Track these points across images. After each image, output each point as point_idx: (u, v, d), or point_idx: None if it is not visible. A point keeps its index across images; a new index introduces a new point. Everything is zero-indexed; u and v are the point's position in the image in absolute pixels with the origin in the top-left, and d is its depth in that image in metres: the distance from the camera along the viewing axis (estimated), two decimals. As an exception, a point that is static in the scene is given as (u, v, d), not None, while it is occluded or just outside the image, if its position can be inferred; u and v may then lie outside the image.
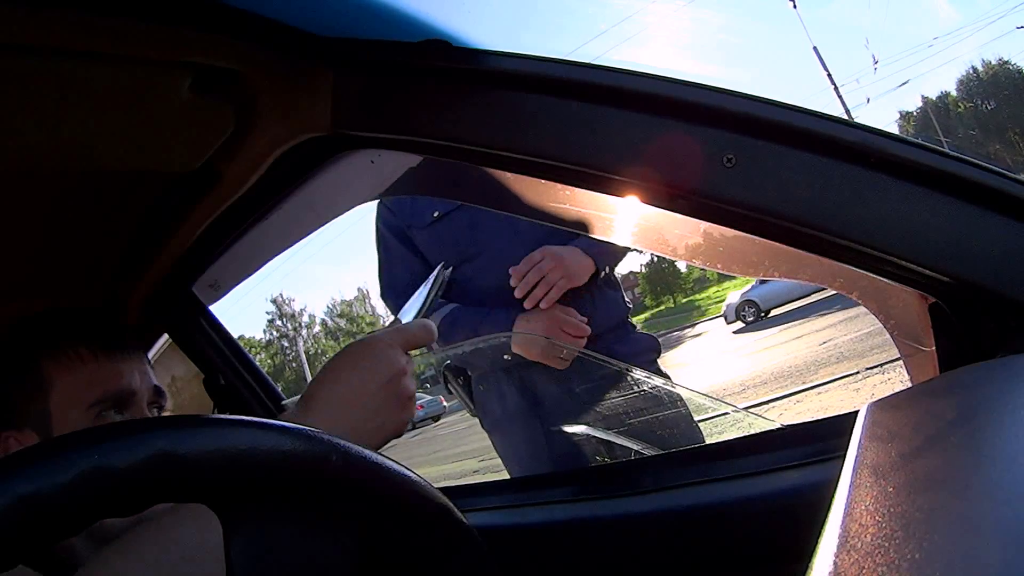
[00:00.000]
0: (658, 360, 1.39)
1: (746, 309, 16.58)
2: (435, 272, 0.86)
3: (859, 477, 0.28)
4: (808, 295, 15.69)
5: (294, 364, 51.06)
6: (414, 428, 19.85)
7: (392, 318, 1.43)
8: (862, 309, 0.56)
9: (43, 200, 0.73)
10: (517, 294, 1.24)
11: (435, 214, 1.34)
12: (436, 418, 20.97)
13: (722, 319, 17.98)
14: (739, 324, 16.63)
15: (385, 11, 0.54)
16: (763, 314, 16.40)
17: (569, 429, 1.24)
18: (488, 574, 0.53)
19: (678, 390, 1.13)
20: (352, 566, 0.47)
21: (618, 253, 1.35)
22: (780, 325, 12.98)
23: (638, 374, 1.11)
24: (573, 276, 1.26)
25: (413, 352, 0.65)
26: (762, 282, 16.65)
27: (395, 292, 1.43)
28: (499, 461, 1.41)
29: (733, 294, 17.82)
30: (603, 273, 1.33)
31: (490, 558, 0.54)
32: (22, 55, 0.49)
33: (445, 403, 22.11)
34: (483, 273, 1.32)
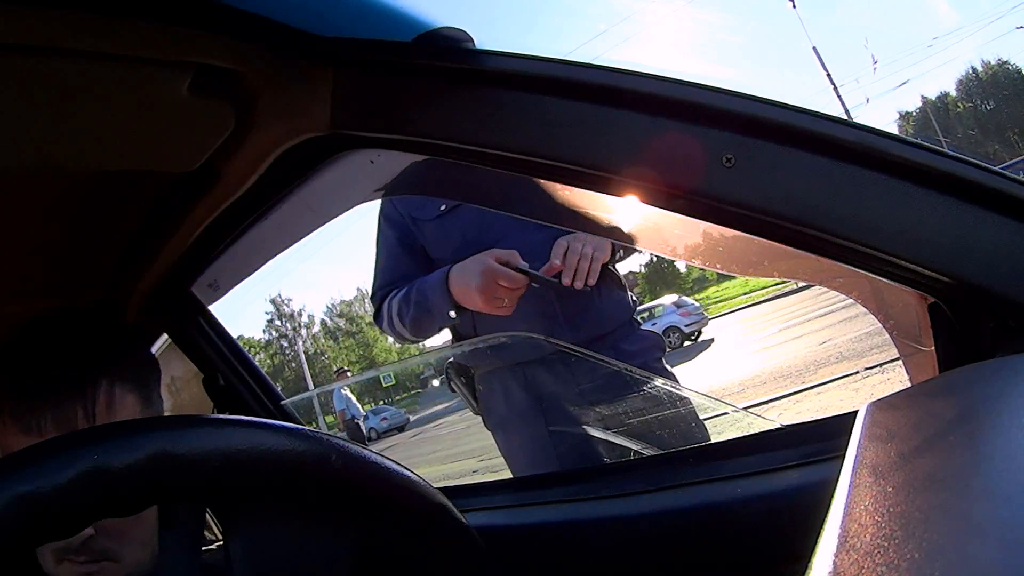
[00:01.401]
0: (663, 358, 1.39)
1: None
2: None
3: (858, 477, 0.28)
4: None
5: (293, 364, 51.01)
6: (379, 438, 19.89)
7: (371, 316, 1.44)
8: (861, 309, 0.56)
9: (42, 200, 0.73)
10: (565, 279, 1.21)
11: (442, 207, 1.33)
12: (401, 428, 21.05)
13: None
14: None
15: (385, 10, 0.54)
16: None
17: (573, 429, 1.24)
18: (487, 574, 0.53)
19: (680, 390, 1.13)
20: (352, 565, 0.47)
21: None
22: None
23: (640, 374, 1.11)
24: (602, 250, 1.25)
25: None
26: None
27: (380, 294, 1.42)
28: (498, 461, 1.41)
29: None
30: (619, 255, 1.33)
31: (489, 558, 0.54)
32: (22, 55, 0.49)
33: (410, 416, 22.28)
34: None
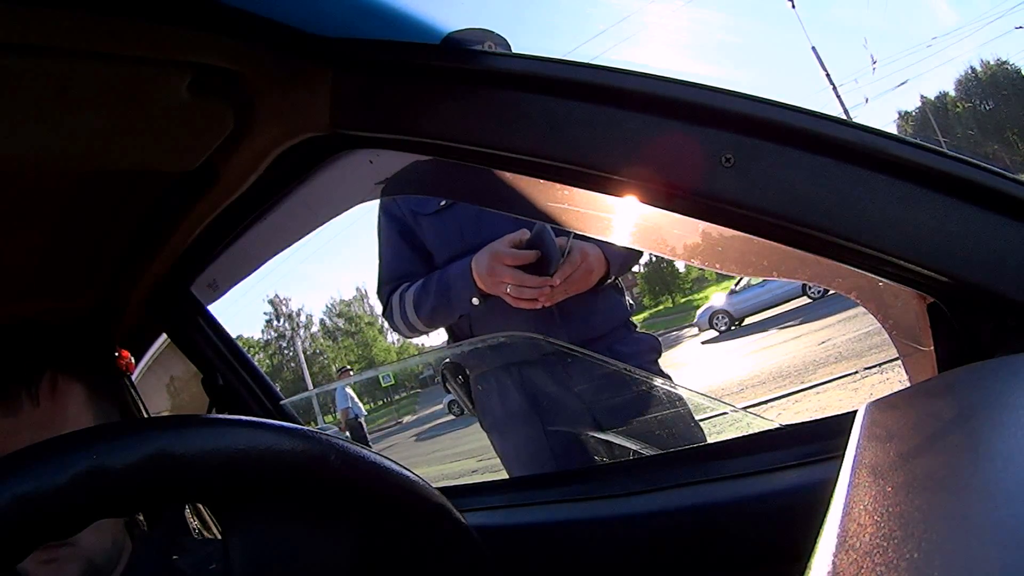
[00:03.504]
0: (658, 360, 1.39)
1: (718, 318, 16.61)
2: None
3: (857, 477, 0.28)
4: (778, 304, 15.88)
5: (292, 364, 50.97)
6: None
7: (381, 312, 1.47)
8: (860, 309, 0.56)
9: (42, 200, 0.73)
10: (557, 277, 1.21)
11: (441, 203, 1.35)
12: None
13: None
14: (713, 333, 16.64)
15: (385, 11, 0.54)
16: (736, 323, 16.39)
17: (569, 429, 1.24)
18: (486, 574, 0.53)
19: (677, 390, 1.13)
20: (350, 565, 0.47)
21: (628, 263, 1.35)
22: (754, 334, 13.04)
23: (638, 374, 1.11)
24: (586, 284, 1.26)
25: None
26: (733, 292, 16.83)
27: (388, 288, 1.45)
28: (497, 461, 1.41)
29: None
30: (610, 280, 1.33)
31: (488, 557, 0.54)
32: (22, 55, 0.49)
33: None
34: None
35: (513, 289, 1.20)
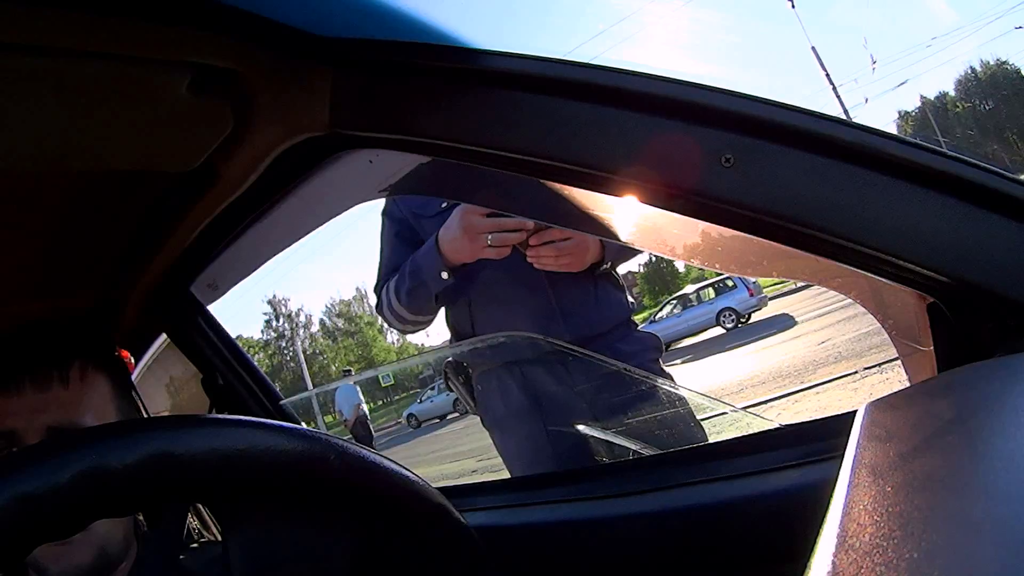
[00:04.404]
0: (660, 360, 1.39)
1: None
2: None
3: (857, 477, 0.28)
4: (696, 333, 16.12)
5: (292, 364, 50.95)
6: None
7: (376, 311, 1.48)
8: (860, 309, 0.56)
9: (41, 200, 0.73)
10: (528, 252, 1.23)
11: (443, 204, 1.35)
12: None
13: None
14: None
15: (384, 11, 0.54)
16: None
17: (570, 428, 1.24)
18: (486, 574, 0.54)
19: (678, 390, 1.13)
20: (350, 565, 0.47)
21: (626, 251, 1.35)
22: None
23: (639, 374, 1.11)
24: (579, 261, 1.26)
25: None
26: (652, 321, 17.06)
27: (382, 285, 1.46)
28: (497, 460, 1.42)
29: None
30: (605, 266, 1.33)
31: (487, 558, 0.54)
32: (22, 55, 0.49)
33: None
34: (490, 263, 1.31)
35: (495, 238, 1.19)
